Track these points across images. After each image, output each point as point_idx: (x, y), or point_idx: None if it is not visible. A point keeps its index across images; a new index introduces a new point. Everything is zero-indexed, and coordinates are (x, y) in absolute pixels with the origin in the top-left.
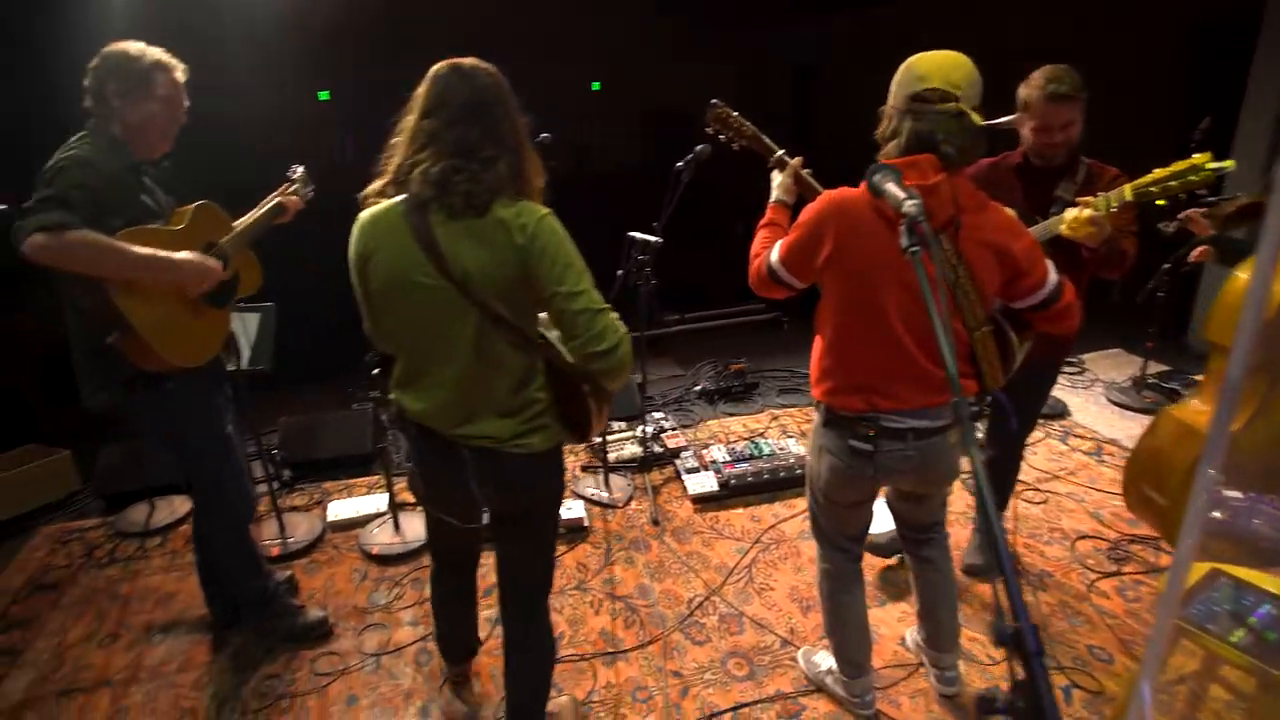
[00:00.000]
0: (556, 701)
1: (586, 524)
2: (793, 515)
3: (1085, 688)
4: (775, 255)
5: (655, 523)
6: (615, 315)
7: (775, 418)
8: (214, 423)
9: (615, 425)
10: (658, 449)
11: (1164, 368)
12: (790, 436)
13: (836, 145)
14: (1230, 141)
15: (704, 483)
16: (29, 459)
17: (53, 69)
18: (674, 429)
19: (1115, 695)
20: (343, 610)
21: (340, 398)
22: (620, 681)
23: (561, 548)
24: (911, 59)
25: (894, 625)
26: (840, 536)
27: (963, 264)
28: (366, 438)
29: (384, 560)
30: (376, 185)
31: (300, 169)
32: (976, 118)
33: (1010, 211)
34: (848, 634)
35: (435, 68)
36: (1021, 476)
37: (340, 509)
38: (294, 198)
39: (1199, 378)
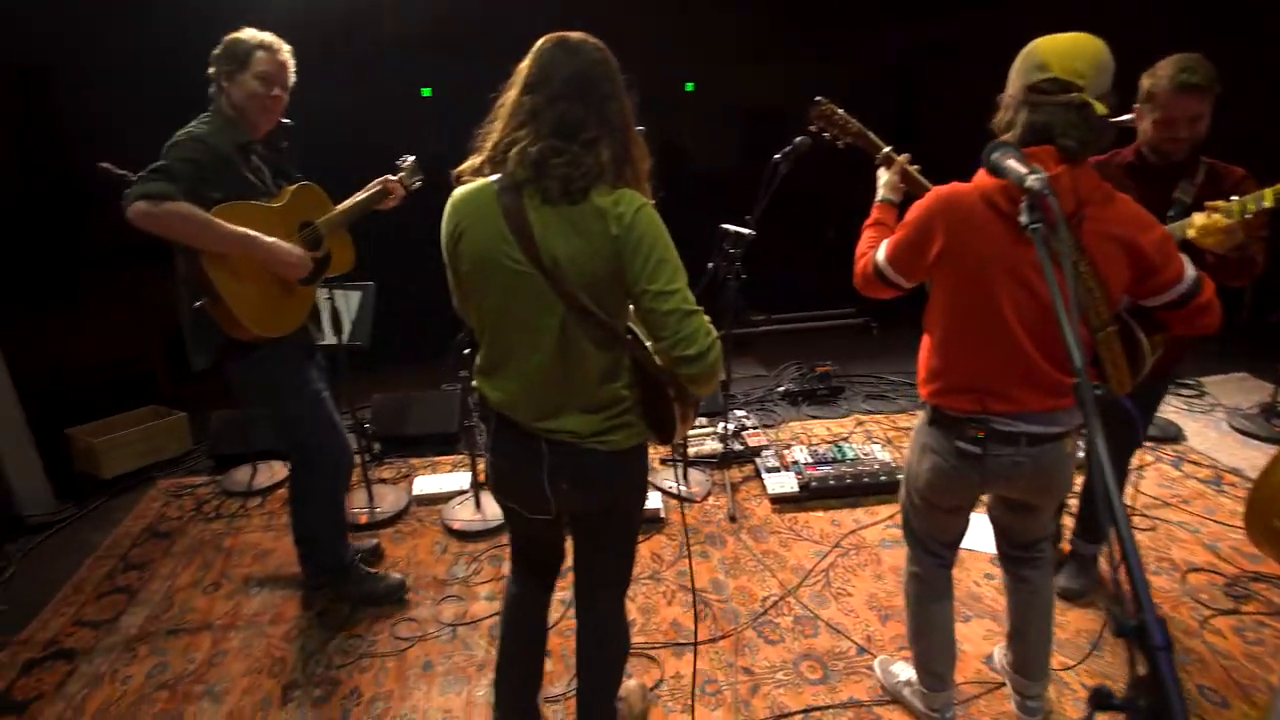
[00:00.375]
0: (625, 686)
1: (663, 515)
2: (875, 522)
3: None
4: (882, 254)
5: (732, 519)
6: (707, 319)
7: (860, 423)
8: (305, 388)
9: (697, 420)
10: (738, 446)
11: None
12: (876, 442)
13: (939, 149)
14: None
15: (784, 483)
16: (150, 418)
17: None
18: (755, 428)
19: None
20: (423, 580)
21: (432, 378)
22: (689, 673)
23: (639, 536)
24: (1033, 44)
25: (978, 643)
26: (933, 541)
27: (1085, 259)
28: (454, 417)
29: (464, 536)
30: (472, 162)
31: (410, 159)
32: (1100, 108)
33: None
34: (932, 643)
35: (541, 41)
36: (1125, 500)
37: (425, 484)
38: (397, 185)
39: None
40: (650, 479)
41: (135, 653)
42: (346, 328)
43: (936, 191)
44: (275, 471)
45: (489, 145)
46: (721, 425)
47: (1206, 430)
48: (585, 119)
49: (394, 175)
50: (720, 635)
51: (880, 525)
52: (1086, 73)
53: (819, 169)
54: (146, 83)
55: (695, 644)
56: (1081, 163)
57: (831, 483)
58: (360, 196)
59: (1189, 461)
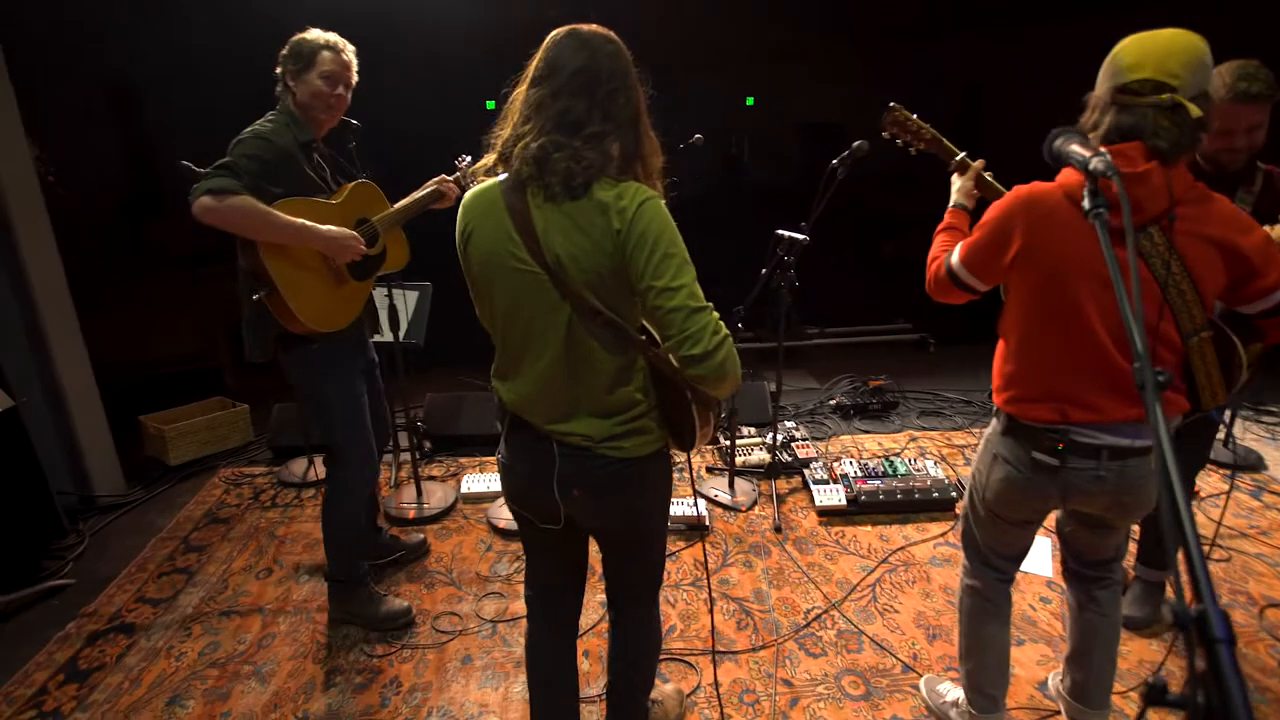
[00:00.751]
0: (662, 690)
1: (708, 523)
2: (925, 539)
3: None
4: (956, 256)
5: (778, 530)
6: (716, 316)
7: (914, 439)
8: (348, 392)
9: (746, 430)
10: (786, 457)
11: None
12: (929, 458)
13: (1003, 167)
14: None
15: (832, 495)
16: (216, 409)
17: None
18: (805, 440)
19: None
20: (466, 576)
21: (484, 380)
22: (728, 682)
23: (680, 544)
24: (1123, 42)
25: (1031, 668)
26: (995, 554)
27: (1177, 259)
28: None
29: (508, 535)
30: (485, 161)
31: (468, 159)
32: (1194, 110)
33: None
34: (985, 661)
35: (553, 33)
36: (1197, 525)
37: (473, 483)
38: (453, 185)
39: None
40: (697, 487)
41: (190, 631)
42: (404, 326)
43: (1017, 190)
44: None
45: (499, 143)
46: (770, 435)
47: None
48: (590, 113)
49: (450, 175)
50: (761, 645)
51: (930, 543)
52: (1180, 73)
53: (878, 184)
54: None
55: (713, 652)
56: (1174, 163)
57: (881, 497)
58: (417, 195)
59: (1270, 491)
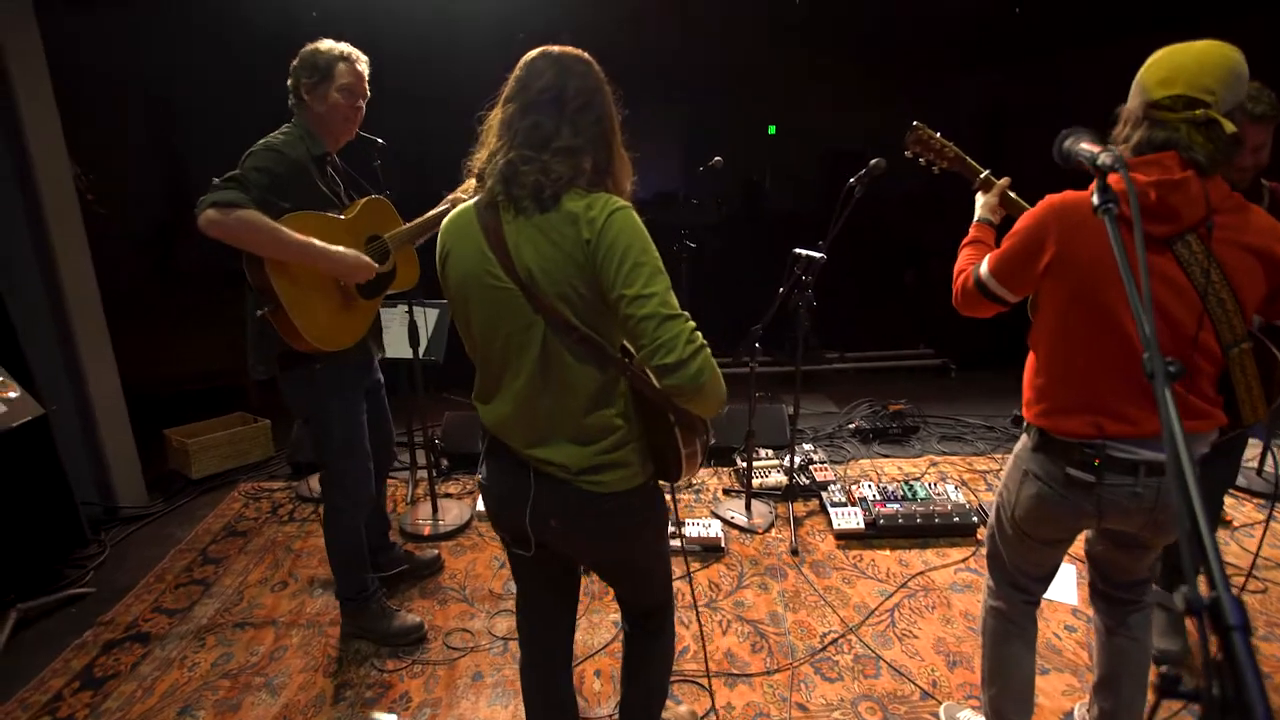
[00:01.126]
0: (675, 711)
1: (723, 545)
2: (945, 564)
3: None
4: (984, 268)
5: (794, 553)
6: (692, 325)
7: (934, 463)
8: (349, 413)
9: (763, 452)
10: (804, 480)
11: None
12: (950, 482)
13: (1026, 196)
14: None
15: (850, 519)
16: (238, 424)
17: None
18: (823, 463)
19: None
20: (479, 593)
21: None
22: (741, 705)
23: (695, 564)
24: (1155, 56)
25: (1056, 698)
26: (1022, 575)
27: (1216, 267)
28: None
29: None
30: (467, 185)
31: None
32: (1229, 126)
33: None
34: (1009, 686)
35: (527, 54)
36: (1231, 559)
37: None
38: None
39: None
40: (713, 508)
41: (204, 641)
42: (424, 343)
43: (1049, 199)
44: None
45: (476, 164)
46: (788, 458)
47: None
48: (558, 128)
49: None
50: (776, 668)
51: (951, 568)
52: (1216, 88)
53: (900, 208)
54: (259, 107)
55: (708, 674)
56: (1211, 175)
57: (900, 521)
58: (430, 214)
59: None
